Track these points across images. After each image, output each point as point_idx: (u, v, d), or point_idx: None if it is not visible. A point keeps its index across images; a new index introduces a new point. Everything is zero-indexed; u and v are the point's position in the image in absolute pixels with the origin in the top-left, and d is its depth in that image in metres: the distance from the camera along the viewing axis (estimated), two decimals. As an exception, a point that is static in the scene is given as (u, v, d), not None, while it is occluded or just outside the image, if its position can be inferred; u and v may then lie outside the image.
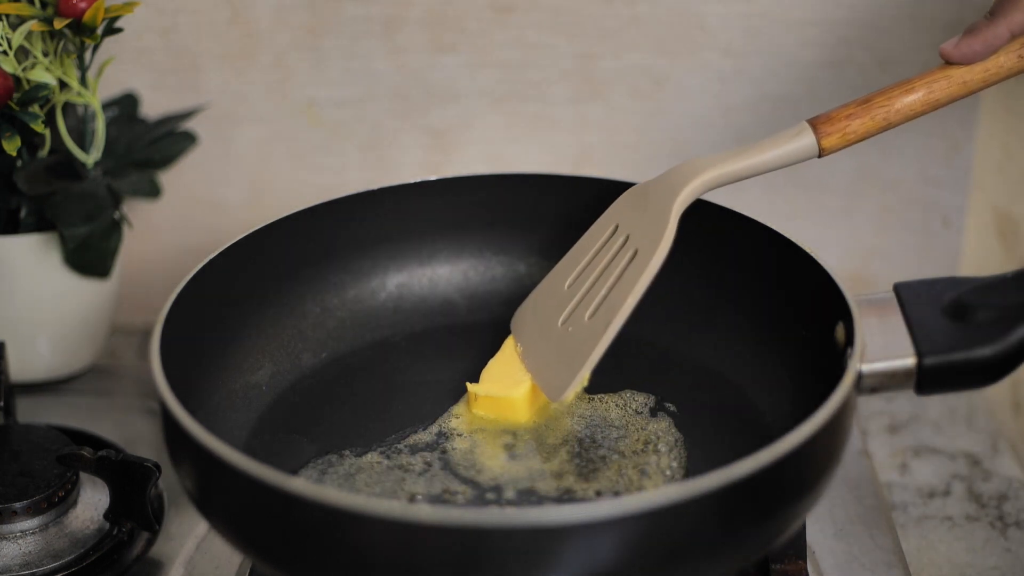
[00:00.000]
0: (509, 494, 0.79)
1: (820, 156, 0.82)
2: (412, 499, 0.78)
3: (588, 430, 0.84)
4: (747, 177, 0.83)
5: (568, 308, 0.86)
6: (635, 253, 0.83)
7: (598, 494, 0.78)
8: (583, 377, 0.83)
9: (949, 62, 0.82)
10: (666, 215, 0.82)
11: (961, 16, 1.05)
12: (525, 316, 0.90)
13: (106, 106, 1.04)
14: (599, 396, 0.87)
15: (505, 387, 0.85)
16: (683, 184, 0.83)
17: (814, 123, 0.82)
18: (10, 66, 0.91)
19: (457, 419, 0.85)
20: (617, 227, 0.86)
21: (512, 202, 0.95)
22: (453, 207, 0.96)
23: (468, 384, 0.86)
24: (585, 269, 0.87)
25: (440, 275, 0.97)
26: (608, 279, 0.84)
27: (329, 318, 0.93)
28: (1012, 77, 0.83)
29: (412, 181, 0.94)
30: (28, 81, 0.92)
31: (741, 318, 0.89)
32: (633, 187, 0.87)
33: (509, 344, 0.89)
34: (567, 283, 0.87)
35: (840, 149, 0.82)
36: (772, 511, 0.69)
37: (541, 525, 0.64)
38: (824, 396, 0.71)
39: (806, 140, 0.82)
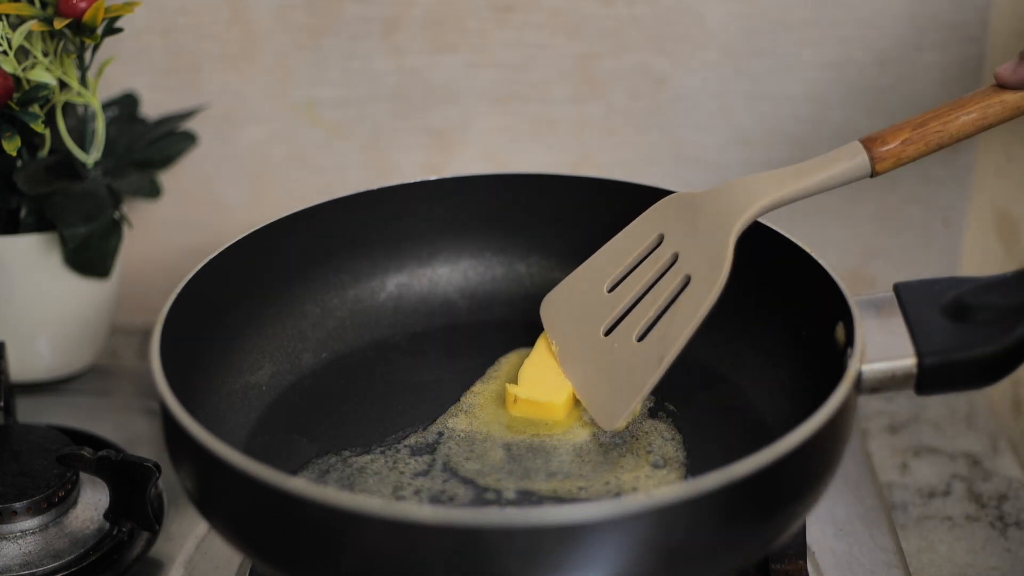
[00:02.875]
0: (509, 494, 0.79)
1: (872, 177, 0.82)
2: (412, 499, 0.78)
3: (588, 431, 0.84)
4: (802, 198, 0.82)
5: (610, 318, 0.85)
6: (688, 279, 0.82)
7: (598, 495, 0.78)
8: (637, 406, 0.83)
9: (1004, 86, 0.81)
10: (724, 244, 0.80)
11: (961, 16, 1.05)
12: (558, 310, 0.88)
13: (106, 106, 1.04)
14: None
15: (546, 392, 0.85)
16: (742, 210, 0.81)
17: (868, 144, 0.81)
18: (10, 66, 0.91)
19: (457, 419, 0.85)
20: (663, 238, 0.84)
21: (512, 202, 0.95)
22: (453, 207, 0.96)
23: (508, 385, 0.85)
24: (628, 276, 0.85)
25: (440, 275, 0.97)
26: (658, 299, 0.82)
27: (329, 318, 0.93)
28: None
29: (412, 181, 0.94)
30: (28, 81, 0.92)
31: (741, 318, 0.89)
32: (680, 195, 0.85)
33: (543, 342, 0.88)
34: (606, 286, 0.86)
35: (892, 170, 0.82)
36: (772, 511, 0.69)
37: (541, 525, 0.64)
38: (824, 396, 0.71)
39: (860, 161, 0.81)
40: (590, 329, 0.85)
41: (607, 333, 0.85)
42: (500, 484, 0.79)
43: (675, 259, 0.83)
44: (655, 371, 0.80)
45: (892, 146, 0.81)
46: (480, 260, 0.97)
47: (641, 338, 0.82)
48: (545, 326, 0.89)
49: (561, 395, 0.85)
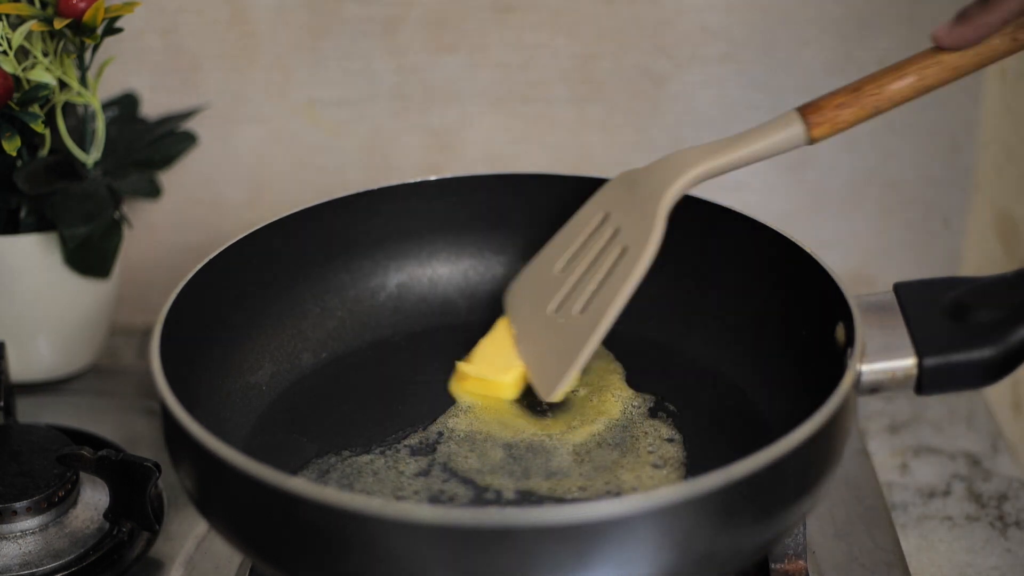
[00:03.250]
0: (509, 494, 0.79)
1: (810, 144, 0.82)
2: (412, 499, 0.78)
3: (588, 430, 0.84)
4: (737, 167, 0.83)
5: (559, 296, 0.86)
6: (624, 250, 0.83)
7: (598, 495, 0.78)
8: (573, 376, 0.83)
9: (941, 47, 0.80)
10: (654, 212, 0.82)
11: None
12: (518, 294, 0.91)
13: (106, 106, 1.04)
14: (599, 396, 0.87)
15: (495, 370, 0.86)
16: (673, 179, 0.83)
17: (804, 111, 0.81)
18: (10, 66, 0.91)
19: (457, 419, 0.85)
20: (607, 215, 0.86)
21: (512, 202, 0.95)
22: (453, 207, 0.96)
23: (458, 363, 0.87)
24: (576, 255, 0.87)
25: (440, 275, 0.97)
26: (597, 273, 0.84)
27: (329, 318, 0.93)
28: (1005, 58, 0.81)
29: (412, 181, 0.94)
30: (28, 81, 0.92)
31: (741, 318, 0.89)
32: (624, 173, 0.87)
33: (502, 324, 0.90)
34: (558, 266, 0.88)
35: (830, 136, 0.81)
36: (772, 511, 0.69)
37: (541, 525, 0.64)
38: (824, 396, 0.71)
39: (796, 129, 0.81)
40: (541, 308, 0.87)
41: (557, 310, 0.86)
42: (500, 484, 0.79)
43: (615, 233, 0.85)
44: (589, 339, 0.82)
45: (827, 112, 0.81)
46: (480, 260, 0.97)
47: (583, 312, 0.84)
48: (507, 312, 0.90)
49: (509, 374, 0.86)
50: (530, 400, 0.86)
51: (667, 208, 0.82)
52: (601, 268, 0.84)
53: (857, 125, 0.82)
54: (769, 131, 0.82)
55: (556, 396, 0.84)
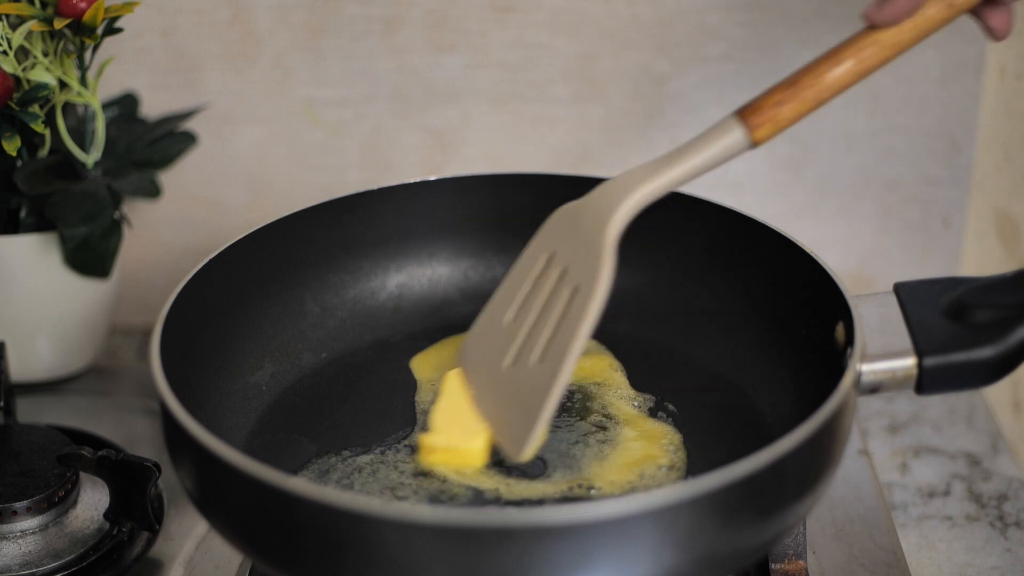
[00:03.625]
0: (509, 495, 0.79)
1: (754, 147, 0.77)
2: (412, 499, 0.78)
3: (588, 430, 0.84)
4: (681, 184, 0.78)
5: (514, 348, 0.80)
6: (575, 289, 0.77)
7: (598, 495, 0.78)
8: (540, 432, 0.76)
9: (875, 26, 0.76)
10: (600, 245, 0.77)
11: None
12: (470, 352, 0.84)
13: (106, 106, 1.04)
14: (598, 396, 0.87)
15: (462, 437, 0.80)
16: (615, 207, 0.77)
17: (742, 115, 0.76)
18: (10, 66, 0.91)
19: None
20: (553, 254, 0.81)
21: (512, 202, 0.95)
22: (453, 207, 0.96)
23: (420, 437, 0.81)
24: (525, 302, 0.81)
25: (440, 275, 0.97)
26: (551, 318, 0.78)
27: (329, 318, 0.93)
28: (944, 27, 0.77)
29: (412, 181, 0.94)
30: (28, 81, 0.92)
31: (741, 318, 0.89)
32: (563, 208, 0.81)
33: (452, 384, 0.83)
34: (507, 317, 0.82)
35: (773, 137, 0.77)
36: (772, 511, 0.69)
37: (541, 525, 0.64)
38: (824, 396, 0.71)
39: (736, 135, 0.76)
40: (496, 363, 0.81)
41: (513, 364, 0.80)
42: (500, 484, 0.79)
43: (564, 273, 0.79)
44: (551, 390, 0.75)
45: (766, 112, 0.76)
46: (480, 260, 0.97)
47: (542, 362, 0.78)
48: (463, 371, 0.84)
49: (477, 439, 0.79)
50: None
51: (614, 239, 0.77)
52: (554, 312, 0.78)
53: (800, 120, 0.78)
54: (709, 141, 0.77)
55: (526, 455, 0.76)
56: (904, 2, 0.75)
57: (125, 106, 1.07)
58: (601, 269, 0.76)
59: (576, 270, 0.78)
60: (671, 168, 0.77)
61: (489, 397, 0.81)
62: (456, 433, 0.80)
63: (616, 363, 0.90)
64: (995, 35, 0.79)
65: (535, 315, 0.80)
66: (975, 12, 0.78)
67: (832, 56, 0.77)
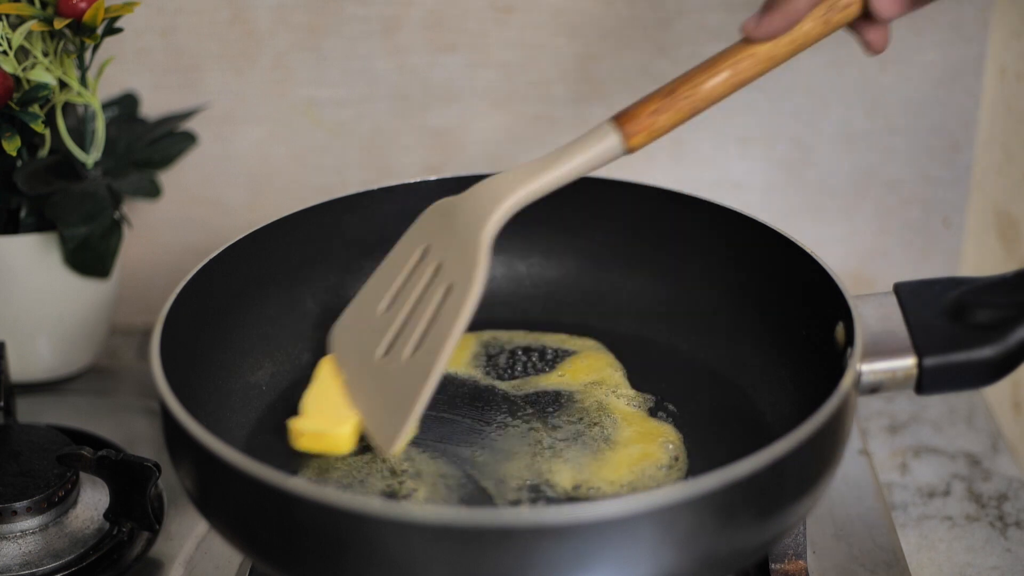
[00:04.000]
0: (510, 494, 0.79)
1: (628, 153, 0.78)
2: (412, 499, 0.78)
3: (588, 430, 0.84)
4: (556, 187, 0.79)
5: (386, 339, 0.81)
6: (449, 287, 0.78)
7: (597, 494, 0.78)
8: (411, 427, 0.77)
9: (752, 40, 0.77)
10: (476, 246, 0.78)
11: (960, 16, 1.05)
12: (342, 337, 0.85)
13: (106, 106, 1.04)
14: (598, 396, 0.87)
15: (330, 423, 0.81)
16: (491, 209, 0.78)
17: (619, 121, 0.78)
18: (10, 66, 0.91)
19: (456, 419, 0.85)
20: (428, 248, 0.82)
21: (512, 202, 0.95)
22: (453, 207, 0.95)
23: (289, 421, 0.81)
24: (399, 293, 0.82)
25: (440, 275, 0.96)
26: (424, 313, 0.79)
27: (329, 318, 0.93)
28: (820, 41, 0.79)
29: (412, 181, 0.94)
30: (28, 81, 0.92)
31: (741, 318, 0.89)
32: (440, 202, 0.82)
33: (325, 370, 0.84)
34: (381, 307, 0.83)
35: (648, 144, 0.78)
36: (772, 511, 0.69)
37: (541, 525, 0.64)
38: (824, 396, 0.71)
39: (612, 141, 0.78)
40: (368, 352, 0.81)
41: (385, 354, 0.81)
42: (500, 482, 0.79)
43: (439, 269, 0.80)
44: (423, 386, 0.76)
45: (642, 120, 0.78)
46: (480, 260, 0.97)
47: (413, 356, 0.78)
48: (334, 356, 0.85)
49: (345, 425, 0.80)
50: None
51: (489, 240, 0.78)
52: (427, 307, 0.79)
53: (675, 129, 0.79)
54: (584, 146, 0.78)
55: (396, 450, 0.77)
56: (781, 19, 0.76)
57: (125, 106, 1.07)
58: (476, 271, 0.77)
59: (451, 268, 0.79)
60: (546, 172, 0.78)
61: (360, 385, 0.82)
62: (325, 418, 0.81)
63: (616, 363, 0.90)
64: (872, 49, 0.81)
65: (408, 308, 0.81)
66: (852, 27, 0.80)
67: (709, 67, 0.78)
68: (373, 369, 0.81)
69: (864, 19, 0.79)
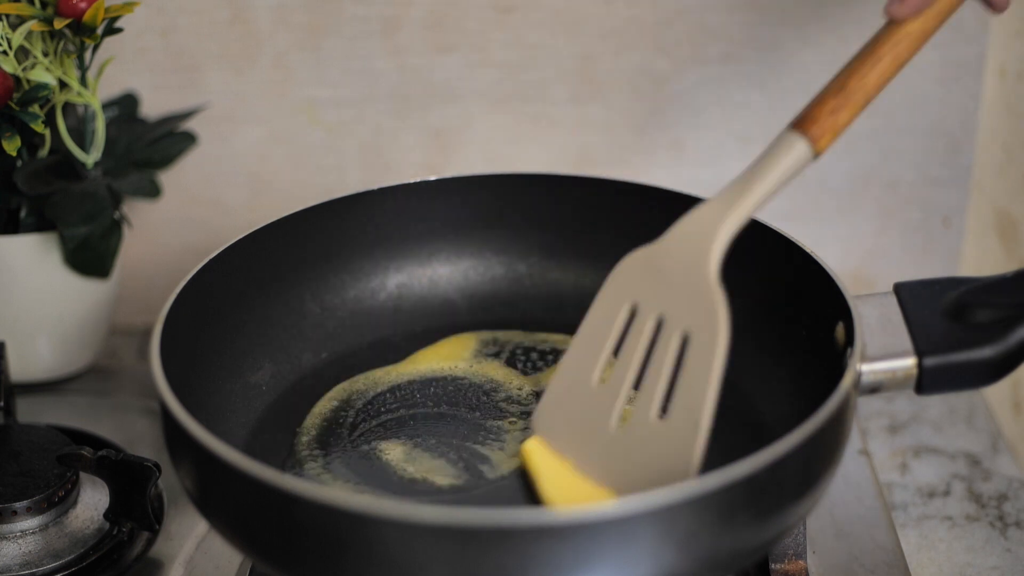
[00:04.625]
0: (511, 494, 0.79)
1: (816, 158, 0.77)
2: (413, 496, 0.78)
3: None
4: (761, 208, 0.76)
5: (617, 408, 0.76)
6: (686, 336, 0.74)
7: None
8: None
9: (898, 20, 0.77)
10: (709, 287, 0.73)
11: (961, 16, 1.04)
12: (554, 422, 0.79)
13: (106, 106, 1.04)
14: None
15: (591, 498, 0.76)
16: (707, 248, 0.74)
17: (802, 127, 0.76)
18: (10, 66, 0.91)
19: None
20: (636, 306, 0.77)
21: (512, 202, 0.95)
22: (453, 207, 0.96)
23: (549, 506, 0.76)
24: (615, 360, 0.77)
25: (440, 275, 0.97)
26: (662, 369, 0.74)
27: (329, 318, 0.93)
28: (961, 5, 0.78)
29: (412, 181, 0.94)
30: (28, 81, 0.92)
31: (741, 318, 0.89)
32: (633, 256, 0.78)
33: (542, 459, 0.79)
34: (594, 378, 0.78)
35: (832, 144, 0.77)
36: (772, 511, 0.69)
37: (541, 526, 0.64)
38: (824, 396, 0.71)
39: (801, 149, 0.75)
40: (598, 427, 0.77)
41: (623, 424, 0.76)
42: (501, 480, 0.79)
43: (660, 323, 0.76)
44: (695, 439, 0.72)
45: (824, 121, 0.76)
46: (480, 260, 0.97)
47: (669, 416, 0.74)
48: (548, 443, 0.80)
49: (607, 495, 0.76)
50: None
51: (717, 276, 0.74)
52: (664, 364, 0.74)
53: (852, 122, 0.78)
54: (776, 160, 0.75)
55: None
56: None
57: (125, 106, 1.07)
58: (717, 310, 0.73)
59: (680, 317, 0.74)
60: (748, 194, 0.75)
61: (601, 465, 0.77)
62: (582, 496, 0.76)
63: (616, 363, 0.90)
64: (996, 7, 0.81)
65: (634, 371, 0.76)
66: None
67: (870, 56, 0.77)
68: (611, 441, 0.76)
69: None
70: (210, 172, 1.12)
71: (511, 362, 0.91)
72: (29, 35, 0.92)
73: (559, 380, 0.80)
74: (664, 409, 0.74)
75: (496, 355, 0.92)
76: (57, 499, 0.87)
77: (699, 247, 0.75)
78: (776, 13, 1.05)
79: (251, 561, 0.84)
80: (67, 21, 0.91)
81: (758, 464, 0.66)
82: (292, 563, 0.69)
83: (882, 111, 1.08)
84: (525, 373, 0.90)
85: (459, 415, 0.86)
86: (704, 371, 0.72)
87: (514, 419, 0.85)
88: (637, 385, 0.76)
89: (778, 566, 0.82)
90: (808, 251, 0.83)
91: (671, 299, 0.75)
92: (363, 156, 1.11)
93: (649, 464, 0.74)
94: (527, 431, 0.84)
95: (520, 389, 0.88)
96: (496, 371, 0.90)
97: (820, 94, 0.77)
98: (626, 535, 0.65)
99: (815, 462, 0.71)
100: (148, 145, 1.04)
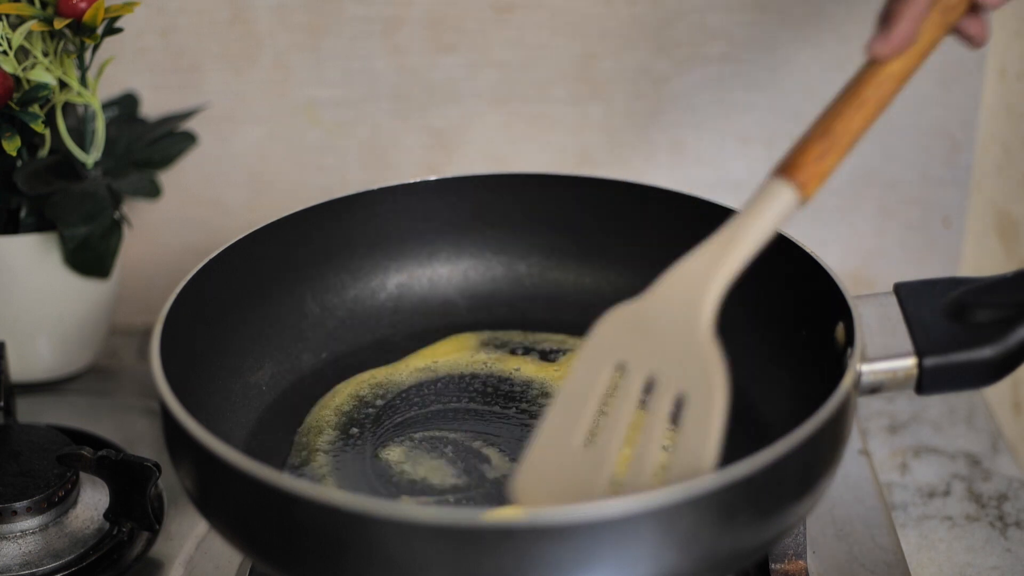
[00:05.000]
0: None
1: (803, 205, 0.74)
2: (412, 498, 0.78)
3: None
4: (750, 259, 0.73)
5: (604, 473, 0.71)
6: (681, 396, 0.70)
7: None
8: None
9: (880, 60, 0.75)
10: (703, 347, 0.70)
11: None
12: (532, 485, 0.73)
13: (106, 106, 1.04)
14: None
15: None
16: (699, 300, 0.71)
17: (788, 173, 0.73)
18: (10, 66, 0.91)
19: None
20: (623, 365, 0.72)
21: (512, 202, 0.95)
22: (453, 207, 0.96)
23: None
24: (607, 421, 0.72)
25: (440, 275, 0.97)
26: (653, 431, 0.70)
27: (329, 318, 0.93)
28: (941, 42, 0.76)
29: (412, 181, 0.94)
30: (28, 81, 0.92)
31: (741, 318, 0.88)
32: (617, 314, 0.73)
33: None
34: (575, 442, 0.72)
35: (818, 190, 0.75)
36: (772, 511, 0.69)
37: (541, 525, 0.64)
38: (824, 396, 0.71)
39: (788, 197, 0.73)
40: (586, 491, 0.71)
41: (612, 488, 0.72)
42: (501, 480, 0.79)
43: (650, 382, 0.71)
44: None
45: (810, 167, 0.73)
46: (480, 260, 0.97)
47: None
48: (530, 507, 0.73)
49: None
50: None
51: (711, 334, 0.70)
52: (656, 424, 0.70)
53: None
54: (763, 210, 0.73)
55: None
56: (906, 26, 0.74)
57: (125, 106, 1.07)
58: (713, 371, 0.69)
59: (672, 376, 0.70)
60: (737, 246, 0.72)
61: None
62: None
63: None
64: (976, 43, 0.79)
65: (618, 434, 0.71)
66: (955, 27, 0.78)
67: (854, 100, 0.75)
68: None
69: (967, 13, 0.77)
70: (210, 172, 1.12)
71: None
72: (29, 35, 0.92)
73: (540, 444, 0.73)
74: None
75: (496, 355, 0.92)
76: (57, 499, 0.87)
77: (690, 304, 0.71)
78: (776, 13, 1.05)
79: (251, 561, 0.84)
80: (67, 21, 0.91)
81: (758, 464, 0.66)
82: (292, 563, 0.69)
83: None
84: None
85: (459, 415, 0.86)
86: (702, 434, 0.68)
87: (515, 419, 0.85)
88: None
89: (778, 566, 0.82)
90: (808, 251, 0.83)
91: (662, 358, 0.71)
92: (363, 156, 1.11)
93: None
94: (528, 431, 0.84)
95: (523, 388, 0.88)
96: (502, 364, 0.90)
97: (805, 139, 0.75)
98: (626, 535, 0.65)
99: (815, 462, 0.71)
100: (148, 145, 1.04)
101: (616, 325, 0.73)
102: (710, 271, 0.72)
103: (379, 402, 0.87)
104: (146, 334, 0.94)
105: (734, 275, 0.72)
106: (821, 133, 0.75)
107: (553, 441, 0.73)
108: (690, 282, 0.72)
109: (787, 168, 0.73)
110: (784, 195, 0.73)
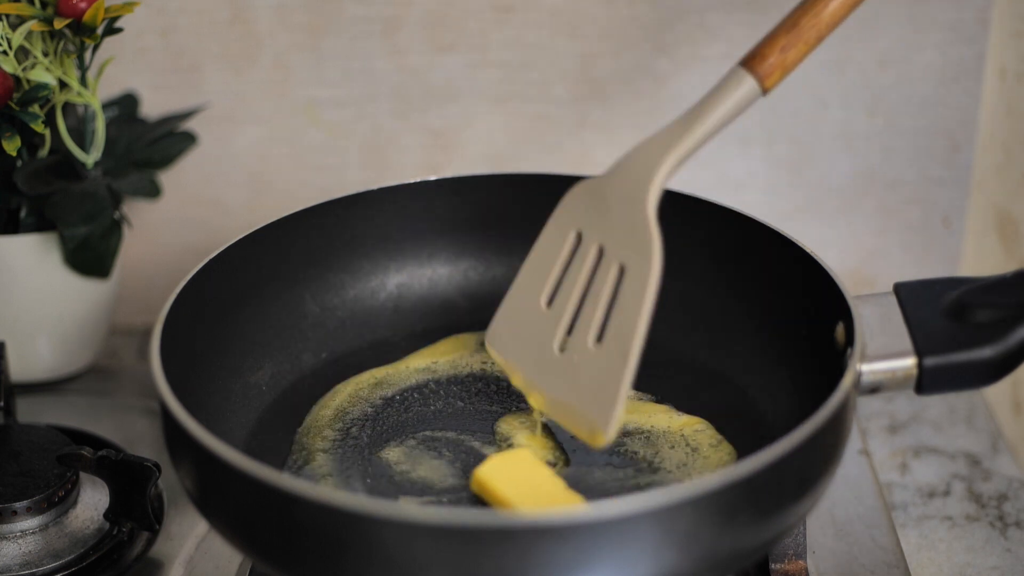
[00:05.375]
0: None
1: (763, 95, 0.77)
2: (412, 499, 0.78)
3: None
4: (704, 143, 0.77)
5: (559, 334, 0.79)
6: (622, 268, 0.77)
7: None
8: (620, 413, 0.75)
9: None
10: (644, 219, 0.76)
11: (960, 16, 1.05)
12: (504, 337, 0.83)
13: (106, 106, 1.04)
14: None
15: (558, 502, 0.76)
16: (648, 177, 0.76)
17: (751, 64, 0.76)
18: (10, 66, 0.91)
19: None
20: (580, 234, 0.80)
21: (512, 202, 0.95)
22: (453, 207, 0.96)
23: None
24: (561, 285, 0.80)
25: (440, 275, 0.97)
26: (599, 298, 0.77)
27: (329, 318, 0.93)
28: None
29: (412, 181, 0.94)
30: (28, 81, 0.92)
31: (741, 318, 0.89)
32: (582, 185, 0.80)
33: (502, 471, 0.77)
34: (542, 300, 0.81)
35: (780, 82, 0.78)
36: (772, 511, 0.69)
37: (541, 525, 0.64)
38: (824, 396, 0.71)
39: (748, 86, 0.76)
40: (543, 350, 0.80)
41: (563, 350, 0.79)
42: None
43: (601, 252, 0.78)
44: (624, 369, 0.74)
45: (773, 58, 0.76)
46: (480, 260, 0.97)
47: (600, 344, 0.77)
48: (499, 357, 0.84)
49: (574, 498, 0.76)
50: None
51: (654, 210, 0.76)
52: (602, 292, 0.77)
53: (803, 61, 0.78)
54: (722, 96, 0.76)
55: (610, 437, 0.75)
56: None
57: (125, 106, 1.07)
58: (651, 245, 0.75)
59: (617, 248, 0.77)
60: (691, 131, 0.76)
61: (544, 386, 0.80)
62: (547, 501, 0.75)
63: None
64: None
65: (576, 298, 0.79)
66: None
67: None
68: (554, 367, 0.79)
69: None
70: (210, 172, 1.12)
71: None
72: (29, 35, 0.92)
73: (510, 300, 0.83)
74: (600, 337, 0.77)
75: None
76: (57, 499, 0.87)
77: (640, 181, 0.76)
78: (776, 13, 1.05)
79: (251, 561, 0.84)
80: (67, 21, 0.91)
81: (758, 464, 0.66)
82: (292, 563, 0.69)
83: (882, 111, 1.08)
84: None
85: (459, 415, 0.86)
86: (636, 303, 0.75)
87: (515, 418, 0.85)
88: (578, 311, 0.79)
89: (778, 566, 0.82)
90: (808, 251, 0.83)
91: (611, 230, 0.78)
92: (363, 156, 1.11)
93: (583, 388, 0.77)
94: (527, 430, 0.84)
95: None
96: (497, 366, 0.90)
97: (772, 32, 0.77)
98: (626, 535, 0.65)
99: (815, 462, 0.71)
100: (148, 145, 1.04)
101: (579, 196, 0.80)
102: (662, 152, 0.76)
103: (379, 402, 0.87)
104: (146, 334, 0.95)
105: (684, 158, 0.76)
106: (788, 27, 0.77)
107: (521, 300, 0.82)
108: (643, 161, 0.77)
109: (750, 59, 0.77)
110: (745, 84, 0.77)
